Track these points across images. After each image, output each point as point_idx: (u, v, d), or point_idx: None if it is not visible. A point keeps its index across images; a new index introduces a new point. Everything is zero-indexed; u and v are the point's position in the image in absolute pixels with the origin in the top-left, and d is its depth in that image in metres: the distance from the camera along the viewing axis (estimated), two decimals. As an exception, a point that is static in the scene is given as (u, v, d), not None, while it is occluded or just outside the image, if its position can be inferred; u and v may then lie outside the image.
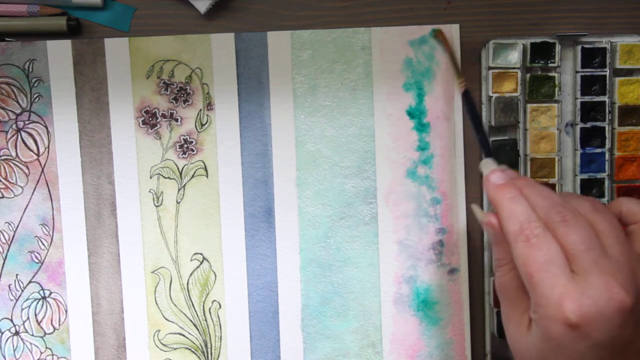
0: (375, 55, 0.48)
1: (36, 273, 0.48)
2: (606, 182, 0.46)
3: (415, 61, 0.47)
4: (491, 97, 0.46)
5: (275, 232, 0.48)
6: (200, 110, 0.48)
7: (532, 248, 0.33)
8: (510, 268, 0.36)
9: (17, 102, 0.48)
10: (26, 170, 0.48)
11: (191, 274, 0.48)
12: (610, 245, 0.33)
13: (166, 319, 0.48)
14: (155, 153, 0.48)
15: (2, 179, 0.48)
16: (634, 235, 0.36)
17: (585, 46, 0.46)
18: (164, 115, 0.48)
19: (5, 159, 0.48)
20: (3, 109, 0.48)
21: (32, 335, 0.49)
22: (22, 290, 0.48)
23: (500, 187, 0.36)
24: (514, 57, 0.46)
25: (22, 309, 0.48)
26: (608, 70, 0.46)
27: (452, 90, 0.47)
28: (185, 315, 0.48)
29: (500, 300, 0.37)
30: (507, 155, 0.46)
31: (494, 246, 0.37)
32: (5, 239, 0.48)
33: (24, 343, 0.49)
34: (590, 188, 0.46)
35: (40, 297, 0.48)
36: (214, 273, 0.48)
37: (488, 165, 0.38)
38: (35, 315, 0.48)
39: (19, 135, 0.48)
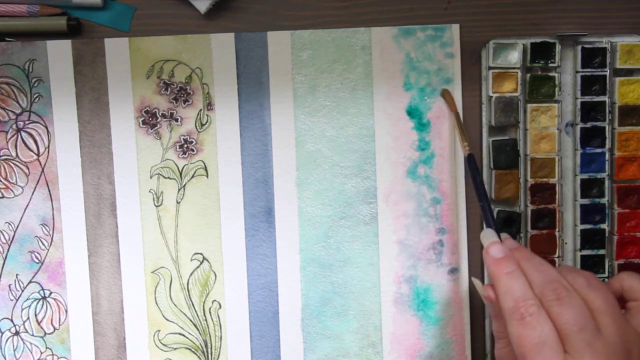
0: (375, 55, 0.47)
1: (36, 273, 0.48)
2: (606, 182, 0.46)
3: (415, 61, 0.47)
4: (491, 97, 0.46)
5: (275, 232, 0.48)
6: (200, 110, 0.48)
7: (525, 327, 0.33)
8: (507, 342, 0.37)
9: (17, 102, 0.48)
10: (26, 170, 0.48)
11: (191, 274, 0.48)
12: (605, 324, 0.33)
13: (166, 319, 0.48)
14: (155, 153, 0.48)
15: (2, 179, 0.48)
16: (632, 312, 0.36)
17: (585, 46, 0.46)
18: (164, 115, 0.48)
19: (6, 159, 0.48)
20: (3, 109, 0.48)
21: (32, 335, 0.49)
22: (22, 290, 0.48)
23: (498, 261, 0.36)
24: (514, 57, 0.46)
25: (22, 309, 0.48)
26: (608, 70, 0.46)
27: (452, 89, 0.47)
28: (185, 315, 0.48)
29: None
30: (507, 155, 0.46)
31: (492, 318, 0.38)
32: (5, 239, 0.48)
33: (24, 343, 0.49)
34: (590, 188, 0.46)
35: (40, 297, 0.48)
36: (214, 273, 0.48)
37: (488, 237, 0.39)
38: (36, 315, 0.48)
39: (19, 135, 0.48)
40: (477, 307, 0.48)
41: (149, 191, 0.48)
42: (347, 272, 0.48)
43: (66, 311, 0.48)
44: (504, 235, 0.39)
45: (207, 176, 0.48)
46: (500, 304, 0.35)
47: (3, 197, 0.48)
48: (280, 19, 0.48)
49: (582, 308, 0.33)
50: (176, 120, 0.48)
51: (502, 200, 0.47)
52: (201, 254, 0.48)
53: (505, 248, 0.37)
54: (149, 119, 0.48)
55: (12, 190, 0.48)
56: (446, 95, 0.47)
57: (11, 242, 0.48)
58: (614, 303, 0.35)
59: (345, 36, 0.47)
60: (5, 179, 0.48)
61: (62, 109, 0.48)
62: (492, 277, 0.36)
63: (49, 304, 0.48)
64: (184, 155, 0.48)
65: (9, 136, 0.48)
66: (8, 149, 0.48)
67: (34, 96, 0.48)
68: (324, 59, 0.48)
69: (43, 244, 0.48)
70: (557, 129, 0.46)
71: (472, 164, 0.43)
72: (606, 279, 0.46)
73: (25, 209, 0.48)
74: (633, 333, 0.34)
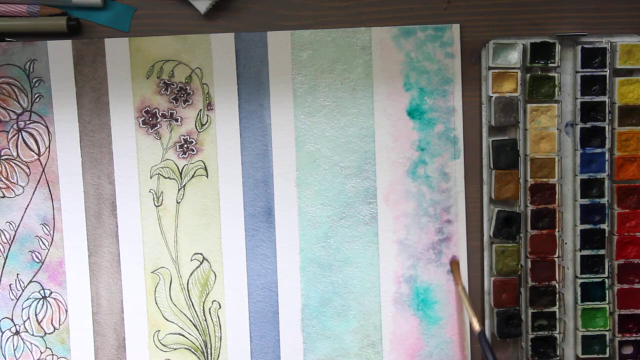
0: (375, 55, 0.48)
1: (37, 273, 0.48)
2: (606, 182, 0.46)
3: (415, 61, 0.47)
4: (491, 97, 0.46)
5: (275, 232, 0.48)
6: (200, 110, 0.48)
7: None
8: None
9: (18, 102, 0.48)
10: (27, 170, 0.48)
11: (191, 274, 0.48)
12: None
13: (166, 319, 0.48)
14: (155, 153, 0.48)
15: (3, 179, 0.48)
16: None
17: (585, 46, 0.46)
18: (164, 115, 0.48)
19: (7, 159, 0.48)
20: (4, 109, 0.48)
21: (33, 335, 0.49)
22: (23, 290, 0.48)
23: None
24: (514, 57, 0.46)
25: (23, 309, 0.49)
26: (608, 70, 0.46)
27: (452, 89, 0.47)
28: (185, 315, 0.48)
29: None
30: (507, 155, 0.46)
31: None
32: (6, 238, 0.48)
33: (24, 343, 0.49)
34: (590, 188, 0.46)
35: (40, 296, 0.48)
36: (214, 273, 0.48)
37: None
38: (36, 315, 0.49)
39: (20, 135, 0.48)
40: (477, 307, 0.48)
41: (149, 191, 0.48)
42: (347, 272, 0.48)
43: (66, 311, 0.48)
44: None
45: (207, 176, 0.48)
46: None
47: (4, 196, 0.48)
48: (280, 19, 0.48)
49: None
50: (176, 120, 0.48)
51: (502, 200, 0.47)
52: (201, 254, 0.48)
53: None
54: (149, 119, 0.48)
55: (12, 190, 0.48)
56: (453, 266, 0.47)
57: (12, 241, 0.48)
58: None
59: (345, 36, 0.47)
60: (6, 178, 0.48)
61: (63, 109, 0.48)
62: None
63: (49, 303, 0.48)
64: (184, 155, 0.48)
65: (9, 136, 0.48)
66: (9, 149, 0.48)
67: (35, 96, 0.48)
68: (324, 59, 0.48)
69: (43, 244, 0.48)
70: (557, 129, 0.46)
71: (484, 342, 0.43)
72: (606, 280, 0.46)
73: (26, 209, 0.48)
74: None
